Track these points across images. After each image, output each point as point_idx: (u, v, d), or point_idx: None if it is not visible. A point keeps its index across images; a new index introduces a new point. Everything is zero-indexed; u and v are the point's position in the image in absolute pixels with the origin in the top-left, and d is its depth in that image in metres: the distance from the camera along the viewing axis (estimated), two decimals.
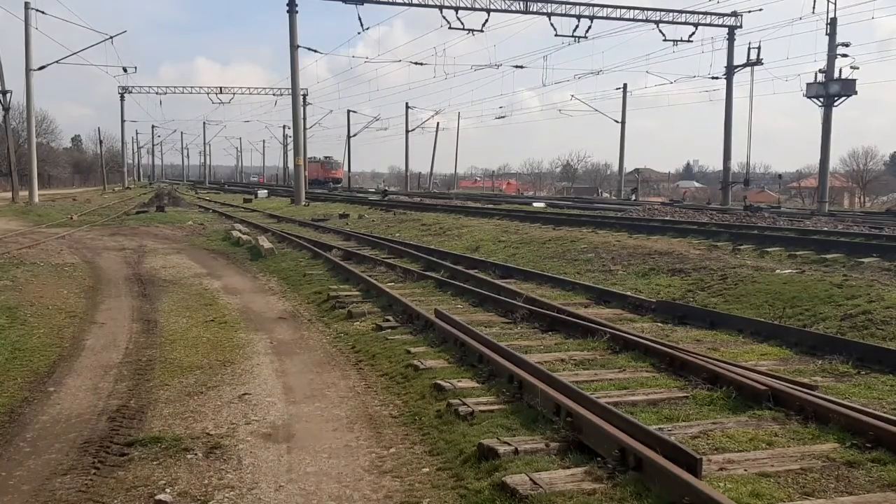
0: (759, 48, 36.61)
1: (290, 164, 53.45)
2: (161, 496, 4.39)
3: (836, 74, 32.19)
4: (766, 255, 12.83)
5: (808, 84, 33.12)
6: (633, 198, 48.73)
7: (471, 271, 12.75)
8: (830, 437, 4.76)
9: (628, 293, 10.35)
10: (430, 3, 33.09)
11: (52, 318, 9.86)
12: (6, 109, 41.68)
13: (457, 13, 32.97)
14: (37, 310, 10.25)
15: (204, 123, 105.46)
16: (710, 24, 37.66)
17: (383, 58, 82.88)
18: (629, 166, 68.81)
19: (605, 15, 35.31)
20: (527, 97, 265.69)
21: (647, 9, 37.22)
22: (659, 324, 8.76)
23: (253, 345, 8.46)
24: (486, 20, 33.42)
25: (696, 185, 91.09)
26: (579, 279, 11.83)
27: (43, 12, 37.61)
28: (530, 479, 4.13)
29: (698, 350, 7.01)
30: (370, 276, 12.43)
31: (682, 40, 37.57)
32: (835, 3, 31.66)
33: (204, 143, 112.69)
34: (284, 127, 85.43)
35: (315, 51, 48.72)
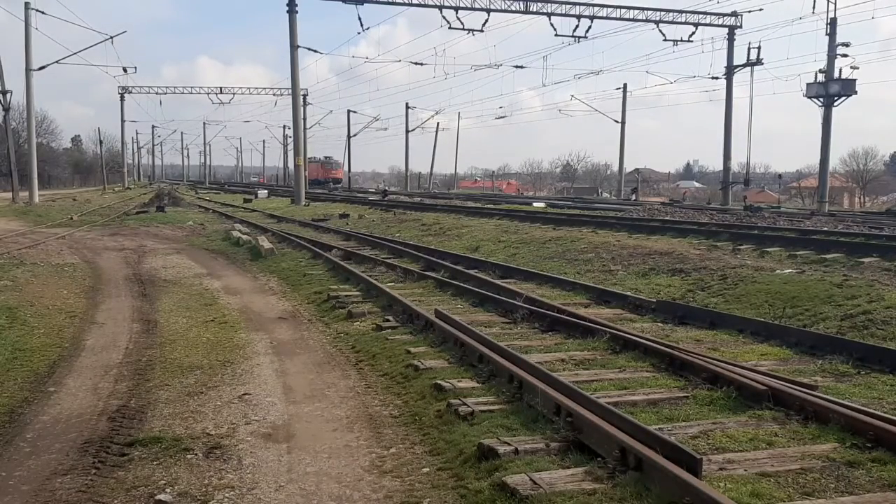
0: (759, 48, 36.66)
1: (291, 164, 53.49)
2: (161, 496, 4.39)
3: (836, 74, 32.20)
4: (766, 255, 12.82)
5: (808, 84, 33.14)
6: (633, 198, 48.75)
7: (471, 271, 12.75)
8: (830, 437, 4.75)
9: (628, 293, 10.34)
10: (430, 3, 33.09)
11: (52, 318, 9.86)
12: (6, 109, 41.68)
13: (457, 13, 33.00)
14: (37, 310, 10.25)
15: (204, 123, 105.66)
16: (710, 24, 37.66)
17: (384, 58, 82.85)
18: (629, 166, 68.88)
19: (605, 15, 35.31)
20: (527, 97, 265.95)
21: (647, 9, 37.17)
22: (659, 324, 8.76)
23: (253, 345, 8.46)
24: (486, 20, 33.47)
25: (696, 185, 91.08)
26: (579, 279, 11.83)
27: (43, 12, 37.67)
28: (530, 479, 4.13)
29: (698, 350, 7.01)
30: (370, 275, 12.43)
31: (682, 40, 37.59)
32: (835, 3, 31.71)
33: (204, 143, 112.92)
34: (284, 127, 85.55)
35: (315, 51, 48.69)
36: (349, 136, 75.40)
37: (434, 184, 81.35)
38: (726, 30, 38.40)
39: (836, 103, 32.60)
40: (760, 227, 18.24)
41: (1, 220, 27.83)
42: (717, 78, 40.32)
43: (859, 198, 66.47)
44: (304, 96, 60.07)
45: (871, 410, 5.02)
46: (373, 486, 4.58)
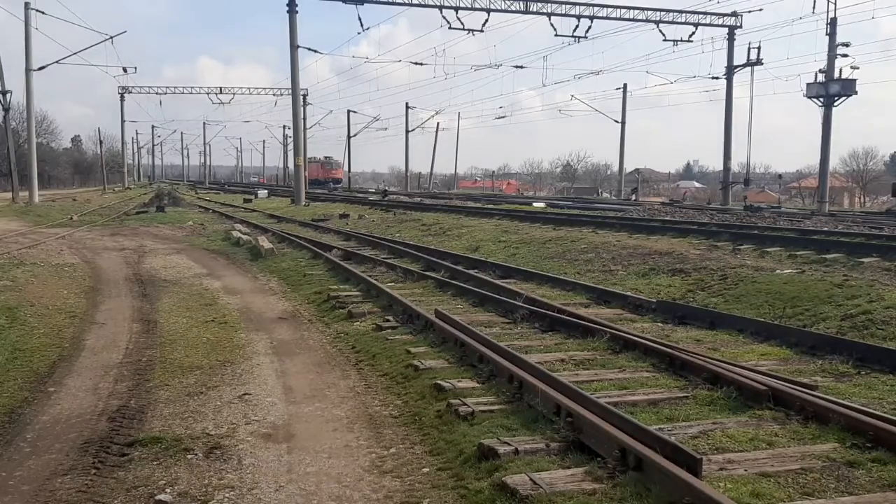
0: (759, 48, 36.71)
1: (290, 165, 53.46)
2: (161, 496, 4.39)
3: (837, 74, 32.20)
4: (766, 255, 12.82)
5: (808, 84, 33.14)
6: (634, 198, 48.76)
7: (471, 271, 12.75)
8: (831, 437, 4.75)
9: (628, 293, 10.34)
10: (430, 3, 33.10)
11: (52, 318, 9.85)
12: (6, 109, 41.68)
13: (457, 13, 33.02)
14: (37, 310, 10.25)
15: (204, 123, 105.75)
16: (710, 24, 37.68)
17: (384, 57, 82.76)
18: (629, 166, 68.98)
19: (605, 15, 35.32)
20: (527, 97, 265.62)
21: (647, 9, 37.20)
22: (659, 324, 8.76)
23: (253, 345, 8.46)
24: (486, 20, 33.50)
25: (696, 185, 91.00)
26: (579, 279, 11.82)
27: (43, 12, 37.61)
28: (530, 479, 4.13)
29: (698, 350, 7.01)
30: (370, 276, 12.43)
31: (682, 40, 37.61)
32: (835, 3, 31.71)
33: (204, 144, 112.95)
34: (284, 127, 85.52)
35: (315, 51, 48.62)
36: (349, 136, 75.48)
37: (434, 184, 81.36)
38: (726, 30, 38.42)
39: (836, 103, 32.60)
40: (760, 227, 18.24)
41: (1, 220, 27.82)
42: (717, 78, 40.41)
43: (859, 198, 66.42)
44: (304, 96, 60.11)
45: (871, 410, 5.02)
46: (373, 486, 4.58)
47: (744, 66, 37.78)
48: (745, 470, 4.26)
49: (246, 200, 42.12)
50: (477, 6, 33.06)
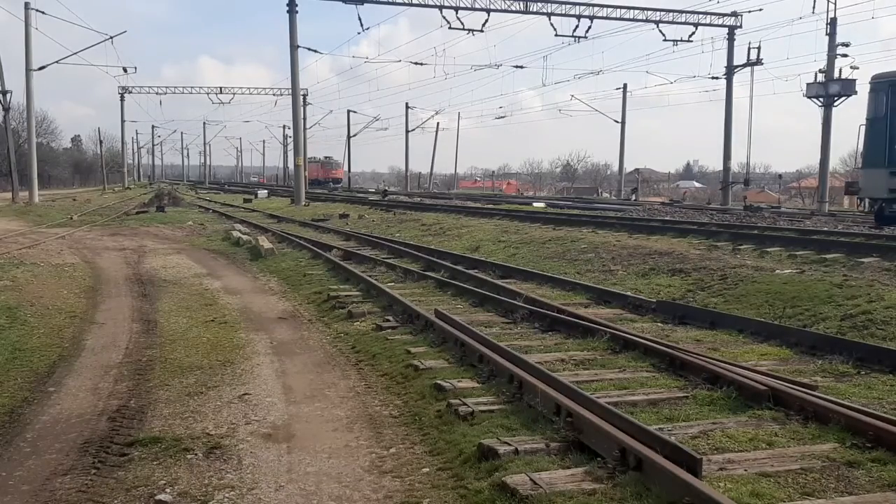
0: (759, 48, 36.62)
1: (290, 165, 53.50)
2: (161, 496, 4.39)
3: (836, 74, 32.14)
4: (766, 255, 12.81)
5: (808, 84, 33.07)
6: (633, 198, 48.76)
7: (471, 271, 12.75)
8: (830, 437, 4.75)
9: (628, 293, 10.34)
10: (430, 3, 33.10)
11: (52, 318, 9.86)
12: (6, 109, 41.69)
13: (457, 13, 33.00)
14: (37, 310, 10.24)
15: (204, 123, 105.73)
16: (710, 24, 37.65)
17: (384, 57, 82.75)
18: (629, 166, 68.99)
19: (605, 15, 35.30)
20: (527, 97, 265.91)
21: (647, 9, 37.20)
22: (659, 324, 8.76)
23: (253, 345, 8.46)
24: (486, 20, 33.46)
25: (696, 185, 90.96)
26: (579, 279, 11.83)
27: (43, 12, 37.64)
28: (530, 479, 4.13)
29: (698, 350, 7.01)
30: (370, 276, 12.43)
31: (682, 40, 37.58)
32: (835, 3, 31.65)
33: (204, 143, 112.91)
34: (284, 127, 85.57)
35: (315, 51, 48.70)
36: (349, 136, 75.46)
37: (434, 184, 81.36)
38: (726, 30, 38.38)
39: (836, 103, 32.53)
40: (760, 227, 18.23)
41: (1, 220, 27.82)
42: (717, 78, 40.36)
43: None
44: (304, 96, 60.13)
45: (871, 410, 5.02)
46: (373, 486, 4.58)
47: (744, 66, 37.73)
48: (745, 470, 4.26)
49: (246, 200, 42.13)
50: (477, 6, 33.06)
